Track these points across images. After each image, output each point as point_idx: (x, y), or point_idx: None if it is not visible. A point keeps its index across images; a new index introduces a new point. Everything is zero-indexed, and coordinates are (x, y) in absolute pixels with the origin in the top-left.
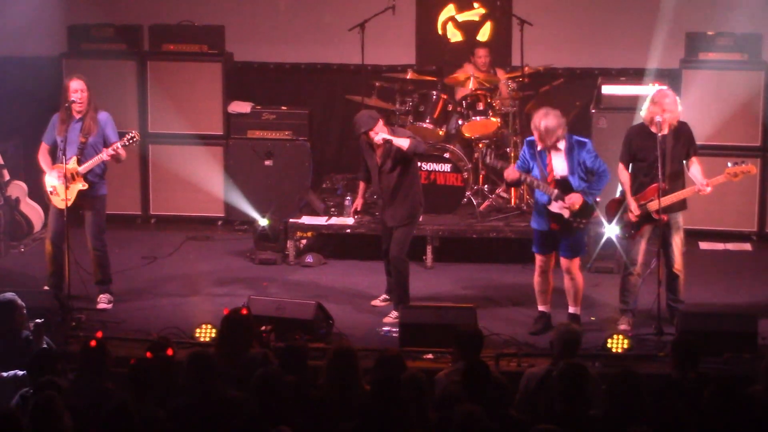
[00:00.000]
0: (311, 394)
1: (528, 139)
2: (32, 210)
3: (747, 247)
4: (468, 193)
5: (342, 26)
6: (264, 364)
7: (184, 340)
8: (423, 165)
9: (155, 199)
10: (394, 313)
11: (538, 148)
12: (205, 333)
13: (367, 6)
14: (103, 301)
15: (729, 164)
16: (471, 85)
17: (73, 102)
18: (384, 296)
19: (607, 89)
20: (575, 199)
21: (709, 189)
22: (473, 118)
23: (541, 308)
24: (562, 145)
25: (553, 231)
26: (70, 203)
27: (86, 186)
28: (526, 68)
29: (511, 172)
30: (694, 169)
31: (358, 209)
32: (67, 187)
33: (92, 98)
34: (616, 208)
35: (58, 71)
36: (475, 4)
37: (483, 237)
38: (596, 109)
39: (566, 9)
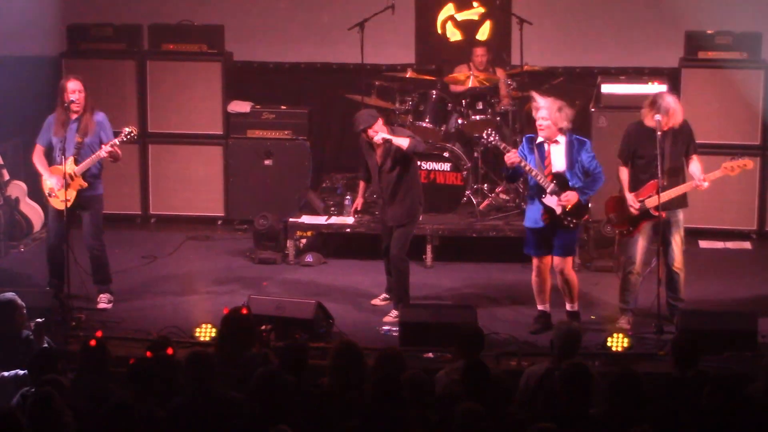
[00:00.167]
0: (313, 392)
1: (527, 135)
2: (32, 210)
3: (747, 245)
4: (468, 192)
5: (341, 26)
6: (264, 364)
7: (183, 339)
8: (423, 164)
9: (155, 198)
10: (394, 313)
11: (537, 141)
12: (205, 332)
13: (366, 5)
14: (103, 301)
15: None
16: (470, 84)
17: (72, 102)
18: (384, 295)
19: (607, 88)
20: (571, 197)
21: (706, 184)
22: (473, 117)
23: (540, 307)
24: (562, 139)
25: (545, 227)
26: (70, 203)
27: (86, 184)
28: (526, 67)
29: (513, 156)
30: (694, 167)
31: (358, 208)
32: (66, 188)
33: (89, 98)
34: (615, 205)
35: (57, 71)
36: (475, 3)
37: (483, 236)
38: (596, 108)
39: (566, 8)
